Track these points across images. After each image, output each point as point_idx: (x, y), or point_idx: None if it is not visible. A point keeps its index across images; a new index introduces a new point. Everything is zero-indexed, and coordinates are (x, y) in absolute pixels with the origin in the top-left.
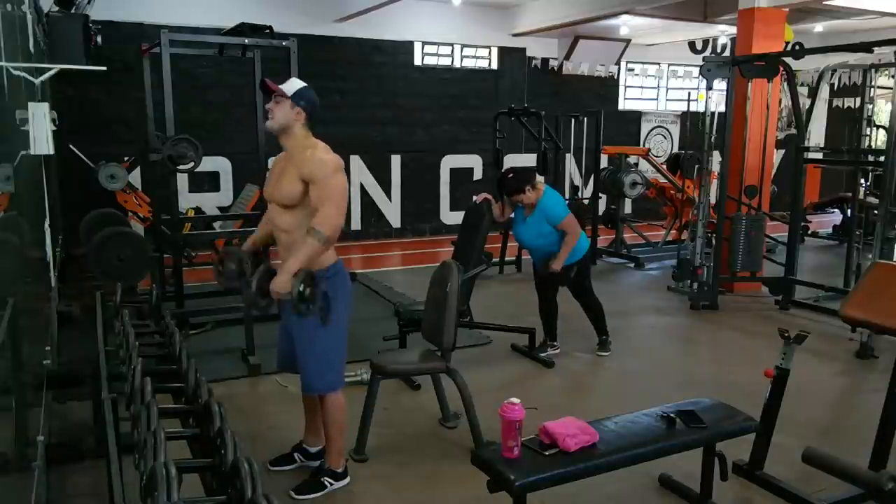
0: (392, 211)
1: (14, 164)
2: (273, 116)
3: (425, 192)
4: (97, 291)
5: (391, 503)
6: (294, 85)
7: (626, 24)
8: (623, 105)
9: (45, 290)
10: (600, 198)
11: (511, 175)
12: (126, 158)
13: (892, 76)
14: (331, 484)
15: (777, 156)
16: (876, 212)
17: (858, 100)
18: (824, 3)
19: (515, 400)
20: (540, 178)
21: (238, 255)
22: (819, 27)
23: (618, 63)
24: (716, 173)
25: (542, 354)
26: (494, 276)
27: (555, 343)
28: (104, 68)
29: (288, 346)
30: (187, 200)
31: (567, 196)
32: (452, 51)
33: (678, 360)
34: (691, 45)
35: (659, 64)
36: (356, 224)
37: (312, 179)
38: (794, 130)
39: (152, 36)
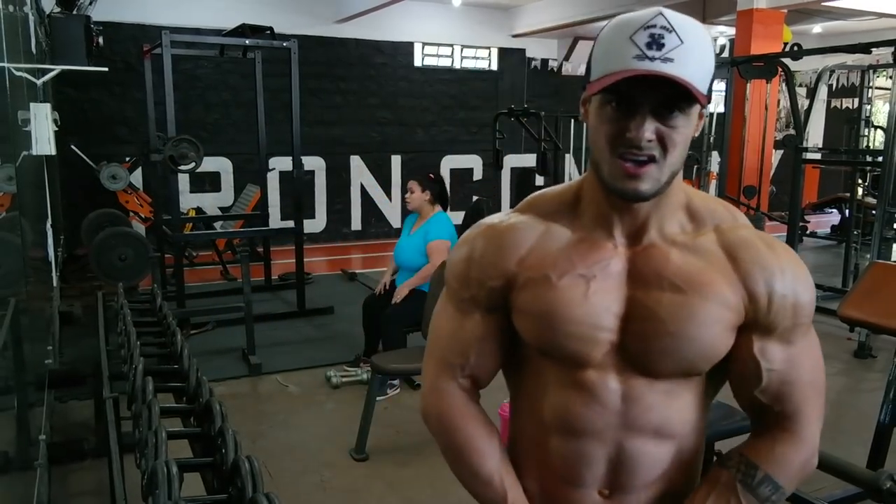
0: (392, 211)
1: (16, 165)
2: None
3: None
4: (99, 291)
5: (391, 503)
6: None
7: None
8: None
9: (46, 289)
10: None
11: (431, 176)
12: (127, 159)
13: (890, 77)
14: None
15: (775, 156)
16: (874, 212)
17: (856, 100)
18: (823, 4)
19: None
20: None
21: None
22: (817, 28)
23: None
24: (714, 173)
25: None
26: None
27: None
28: (106, 69)
29: None
30: (188, 200)
31: None
32: (452, 51)
33: None
34: None
35: None
36: (356, 224)
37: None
38: (792, 131)
39: (154, 37)
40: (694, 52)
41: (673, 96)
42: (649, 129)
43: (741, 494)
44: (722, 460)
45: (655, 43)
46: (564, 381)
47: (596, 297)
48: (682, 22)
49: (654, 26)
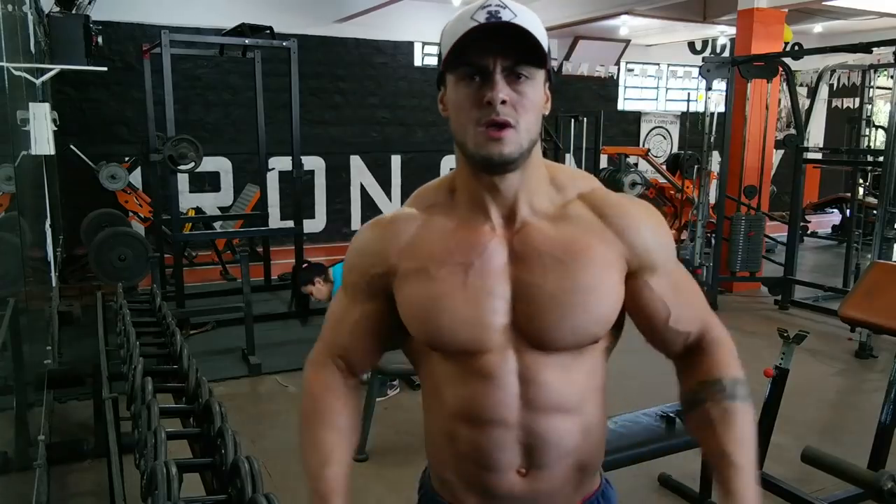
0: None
1: (15, 165)
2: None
3: None
4: (98, 291)
5: (391, 503)
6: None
7: (625, 25)
8: (623, 105)
9: (45, 289)
10: None
11: (305, 265)
12: (127, 158)
13: (891, 76)
14: None
15: (776, 156)
16: (875, 212)
17: (857, 100)
18: (823, 3)
19: None
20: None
21: None
22: (818, 28)
23: (617, 63)
24: (715, 173)
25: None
26: None
27: None
28: (105, 69)
29: None
30: (188, 200)
31: None
32: None
33: None
34: (691, 45)
35: (659, 64)
36: (356, 224)
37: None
38: (793, 131)
39: (153, 36)
40: (528, 24)
41: (519, 61)
42: (503, 91)
43: (734, 411)
44: (693, 400)
45: (493, 17)
46: (462, 371)
47: (477, 284)
48: (516, 4)
49: (490, 5)
